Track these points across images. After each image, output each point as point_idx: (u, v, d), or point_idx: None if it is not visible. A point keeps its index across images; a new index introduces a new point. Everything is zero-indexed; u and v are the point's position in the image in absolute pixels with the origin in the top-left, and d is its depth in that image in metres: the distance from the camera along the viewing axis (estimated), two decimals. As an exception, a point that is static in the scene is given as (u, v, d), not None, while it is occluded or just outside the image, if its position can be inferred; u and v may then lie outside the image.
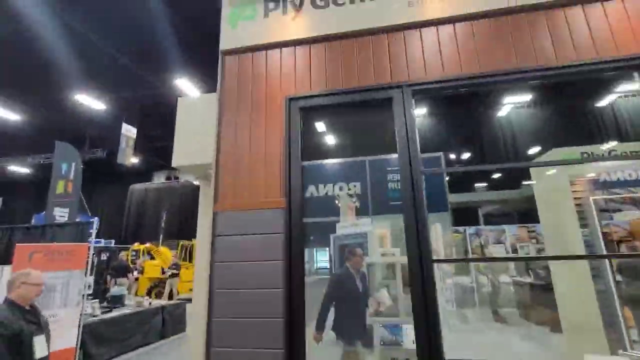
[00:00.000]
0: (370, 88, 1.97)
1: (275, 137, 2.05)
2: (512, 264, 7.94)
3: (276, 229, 1.90)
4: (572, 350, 3.86)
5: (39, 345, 2.29)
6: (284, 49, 2.20)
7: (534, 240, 8.97)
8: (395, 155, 2.63)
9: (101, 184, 22.40)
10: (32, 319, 2.32)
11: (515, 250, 9.05)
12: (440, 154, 4.52)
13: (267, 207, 1.94)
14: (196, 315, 2.26)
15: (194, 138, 2.22)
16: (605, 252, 4.57)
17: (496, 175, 12.10)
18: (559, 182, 4.62)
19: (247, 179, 2.03)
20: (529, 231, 9.05)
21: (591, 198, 4.55)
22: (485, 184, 11.97)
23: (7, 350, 2.10)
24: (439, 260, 1.70)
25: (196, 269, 2.39)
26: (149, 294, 11.34)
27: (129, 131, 11.96)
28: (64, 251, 4.99)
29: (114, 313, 5.96)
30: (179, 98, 2.32)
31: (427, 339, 1.58)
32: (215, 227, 1.98)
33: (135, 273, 11.07)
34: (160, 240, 18.07)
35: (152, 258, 14.35)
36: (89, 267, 5.31)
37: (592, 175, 4.70)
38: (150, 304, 6.76)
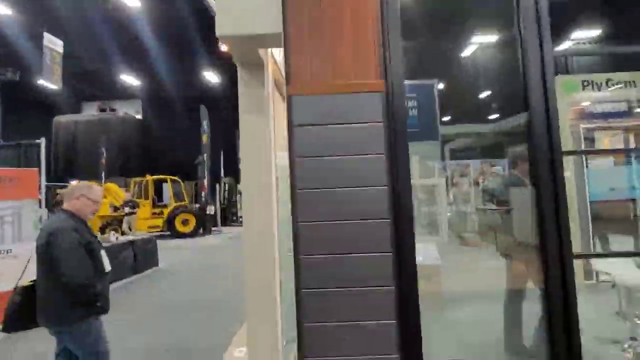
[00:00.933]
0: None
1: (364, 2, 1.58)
2: (474, 195, 8.67)
3: (373, 117, 1.54)
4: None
5: (105, 259, 2.11)
6: None
7: (494, 174, 9.79)
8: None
9: (16, 114, 18.79)
10: (93, 234, 2.17)
11: (477, 183, 9.84)
12: (435, 80, 4.39)
13: (359, 91, 1.55)
14: (258, 229, 1.92)
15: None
16: (586, 178, 4.98)
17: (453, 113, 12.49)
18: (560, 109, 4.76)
19: (329, 55, 1.58)
20: (491, 166, 9.81)
21: (581, 126, 4.80)
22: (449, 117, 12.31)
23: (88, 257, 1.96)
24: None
25: (243, 180, 1.98)
26: (102, 232, 10.41)
27: (52, 43, 9.65)
28: (7, 177, 4.04)
29: (77, 249, 5.26)
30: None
31: (564, 306, 1.43)
32: (291, 114, 1.56)
33: (81, 211, 9.91)
34: (103, 178, 16.28)
35: (95, 197, 12.93)
36: (43, 197, 4.45)
37: (585, 104, 4.90)
38: (117, 238, 6.12)
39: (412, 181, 1.71)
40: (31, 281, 2.11)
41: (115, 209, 11.58)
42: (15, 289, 2.02)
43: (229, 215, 14.78)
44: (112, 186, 11.85)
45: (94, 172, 17.11)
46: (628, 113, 4.92)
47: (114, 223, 11.19)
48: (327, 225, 1.52)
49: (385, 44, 1.55)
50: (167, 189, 12.62)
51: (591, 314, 3.59)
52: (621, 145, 4.93)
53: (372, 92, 1.54)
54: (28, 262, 2.20)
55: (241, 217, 16.60)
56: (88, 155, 18.40)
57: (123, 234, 9.74)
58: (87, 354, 1.96)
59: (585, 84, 4.95)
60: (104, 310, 2.03)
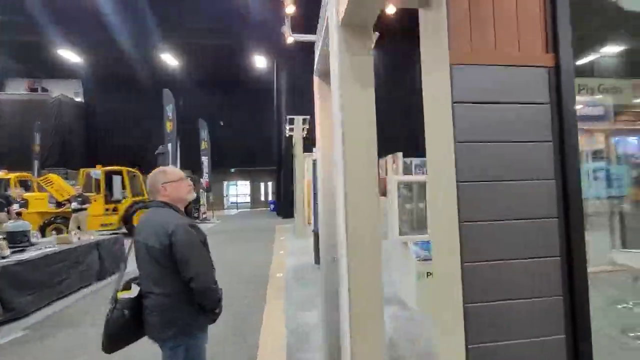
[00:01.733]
0: None
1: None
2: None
3: (539, 96, 1.32)
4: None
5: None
6: None
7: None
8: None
9: None
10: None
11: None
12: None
13: (523, 64, 1.31)
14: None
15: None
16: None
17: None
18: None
19: (490, 19, 1.31)
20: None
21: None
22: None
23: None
24: None
25: (348, 169, 1.62)
26: (42, 231, 8.94)
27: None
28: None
29: (32, 252, 4.31)
30: None
31: None
32: (452, 88, 1.27)
33: (16, 207, 8.37)
34: (36, 169, 14.08)
35: (27, 190, 11.23)
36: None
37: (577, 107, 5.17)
38: (79, 238, 5.17)
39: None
40: (132, 289, 1.61)
41: (59, 204, 10.05)
42: (115, 304, 1.52)
43: (192, 212, 13.68)
44: (55, 177, 10.22)
45: (23, 161, 14.69)
46: (604, 117, 5.27)
47: (56, 221, 9.71)
48: (490, 225, 1.27)
49: (553, 14, 1.32)
50: (118, 182, 11.15)
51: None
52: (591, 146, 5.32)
53: (535, 66, 1.31)
54: (128, 251, 1.78)
55: (204, 214, 15.49)
56: (15, 140, 15.73)
57: (69, 233, 8.45)
58: None
59: (581, 88, 5.17)
60: (218, 316, 1.69)
